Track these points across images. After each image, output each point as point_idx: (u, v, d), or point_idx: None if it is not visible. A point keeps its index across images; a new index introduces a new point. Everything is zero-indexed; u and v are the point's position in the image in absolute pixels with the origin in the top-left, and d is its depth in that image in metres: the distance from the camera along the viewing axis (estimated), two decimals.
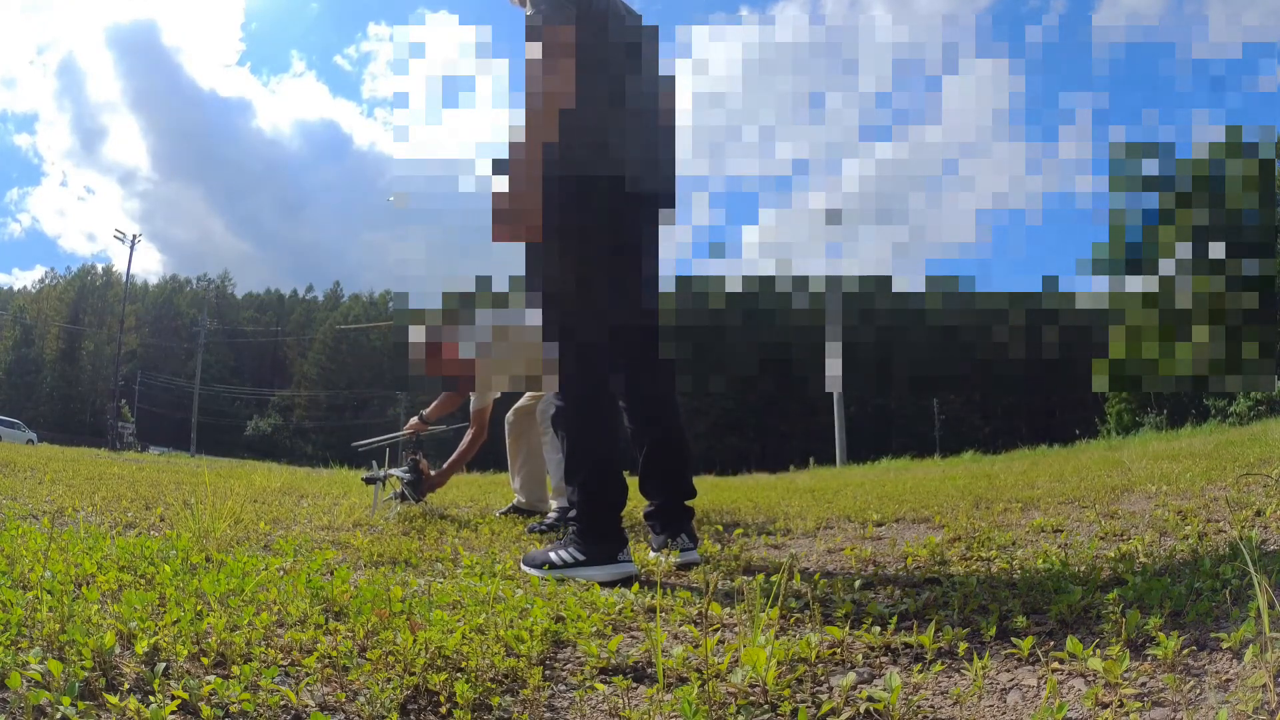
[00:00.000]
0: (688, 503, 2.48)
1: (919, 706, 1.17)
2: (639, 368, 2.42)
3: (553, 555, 2.15)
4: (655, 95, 2.37)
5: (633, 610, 1.73)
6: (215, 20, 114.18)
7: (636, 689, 1.29)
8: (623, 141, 2.27)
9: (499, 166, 2.28)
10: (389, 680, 1.24)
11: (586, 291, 2.25)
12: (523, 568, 2.24)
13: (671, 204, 2.40)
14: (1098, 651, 1.24)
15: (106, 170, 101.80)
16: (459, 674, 1.28)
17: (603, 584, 2.03)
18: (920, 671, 1.29)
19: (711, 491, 7.05)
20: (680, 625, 1.64)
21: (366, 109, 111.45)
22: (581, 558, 2.10)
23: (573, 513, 2.20)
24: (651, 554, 2.40)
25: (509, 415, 4.22)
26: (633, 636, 1.59)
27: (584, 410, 2.23)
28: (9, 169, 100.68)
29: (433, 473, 4.19)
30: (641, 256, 2.37)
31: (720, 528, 3.34)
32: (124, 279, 49.40)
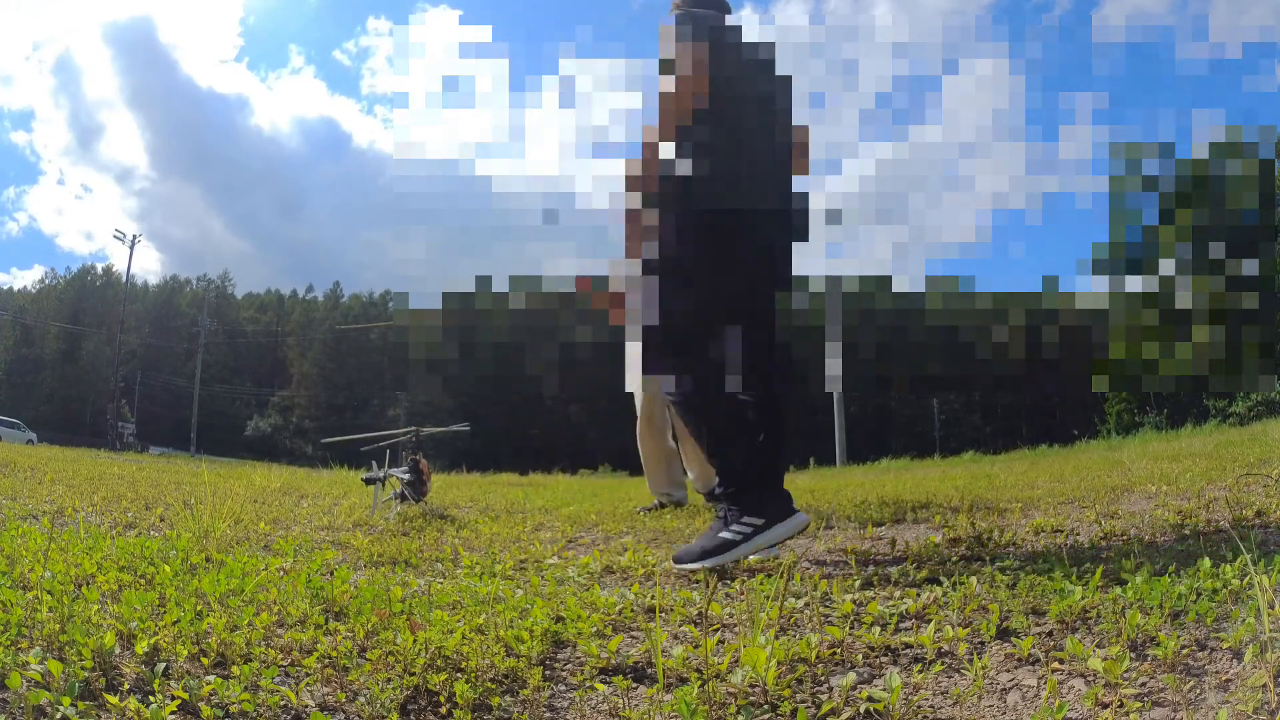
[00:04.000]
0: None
1: (919, 706, 1.17)
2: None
3: (725, 535, 2.09)
4: (787, 130, 2.41)
5: (633, 610, 1.73)
6: (213, 15, 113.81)
7: (636, 689, 1.29)
8: (759, 174, 2.33)
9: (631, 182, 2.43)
10: (389, 680, 1.24)
11: (715, 304, 2.31)
12: (683, 566, 2.14)
13: (805, 238, 2.44)
14: (1098, 651, 1.24)
15: (104, 168, 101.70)
16: (459, 674, 1.28)
17: (782, 541, 2.02)
18: (920, 671, 1.29)
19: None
20: (680, 625, 1.64)
21: (366, 106, 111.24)
22: (760, 522, 2.08)
23: (720, 489, 2.18)
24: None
25: (645, 428, 4.49)
26: (633, 636, 1.59)
27: (719, 392, 2.23)
28: (6, 167, 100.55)
29: (429, 477, 4.20)
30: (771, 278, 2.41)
31: None
32: (124, 279, 49.43)
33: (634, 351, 4.23)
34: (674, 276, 2.33)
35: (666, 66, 2.28)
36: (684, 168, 2.29)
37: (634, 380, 4.42)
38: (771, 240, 2.35)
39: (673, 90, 2.24)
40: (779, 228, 2.37)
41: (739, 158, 2.32)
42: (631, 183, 2.44)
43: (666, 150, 2.31)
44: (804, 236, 2.42)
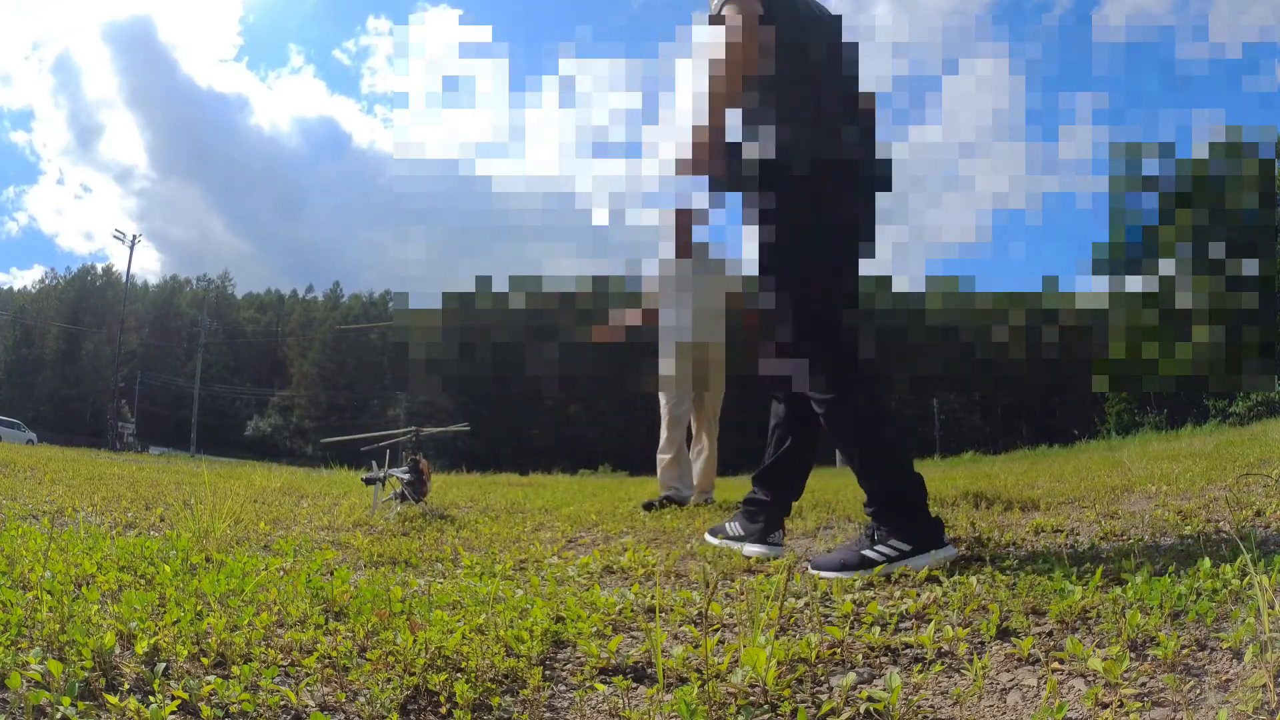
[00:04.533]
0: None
1: (919, 706, 1.17)
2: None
3: (869, 553, 2.02)
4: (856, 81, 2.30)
5: (633, 610, 1.73)
6: (212, 14, 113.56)
7: (636, 689, 1.29)
8: (850, 127, 2.21)
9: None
10: (389, 680, 1.24)
11: (838, 286, 2.18)
12: (820, 574, 2.05)
13: (889, 188, 2.31)
14: (1098, 651, 1.24)
15: (103, 168, 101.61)
16: (459, 674, 1.28)
17: (921, 569, 1.94)
18: (920, 671, 1.29)
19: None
20: (680, 625, 1.64)
21: (366, 105, 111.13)
22: (907, 548, 2.00)
23: (871, 509, 2.11)
24: (751, 548, 2.37)
25: (672, 428, 4.64)
26: (633, 636, 1.59)
27: (875, 403, 2.16)
28: (5, 167, 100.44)
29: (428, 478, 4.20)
30: (865, 243, 2.29)
31: None
32: (124, 279, 49.43)
33: (663, 364, 4.27)
34: (794, 263, 2.17)
35: (718, 19, 2.14)
36: (766, 134, 2.14)
37: (665, 382, 4.47)
38: (858, 209, 2.23)
39: (738, 42, 2.07)
40: (867, 193, 2.25)
41: (821, 115, 2.19)
42: (701, 165, 2.25)
43: (737, 120, 2.17)
44: (889, 186, 2.29)
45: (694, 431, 4.75)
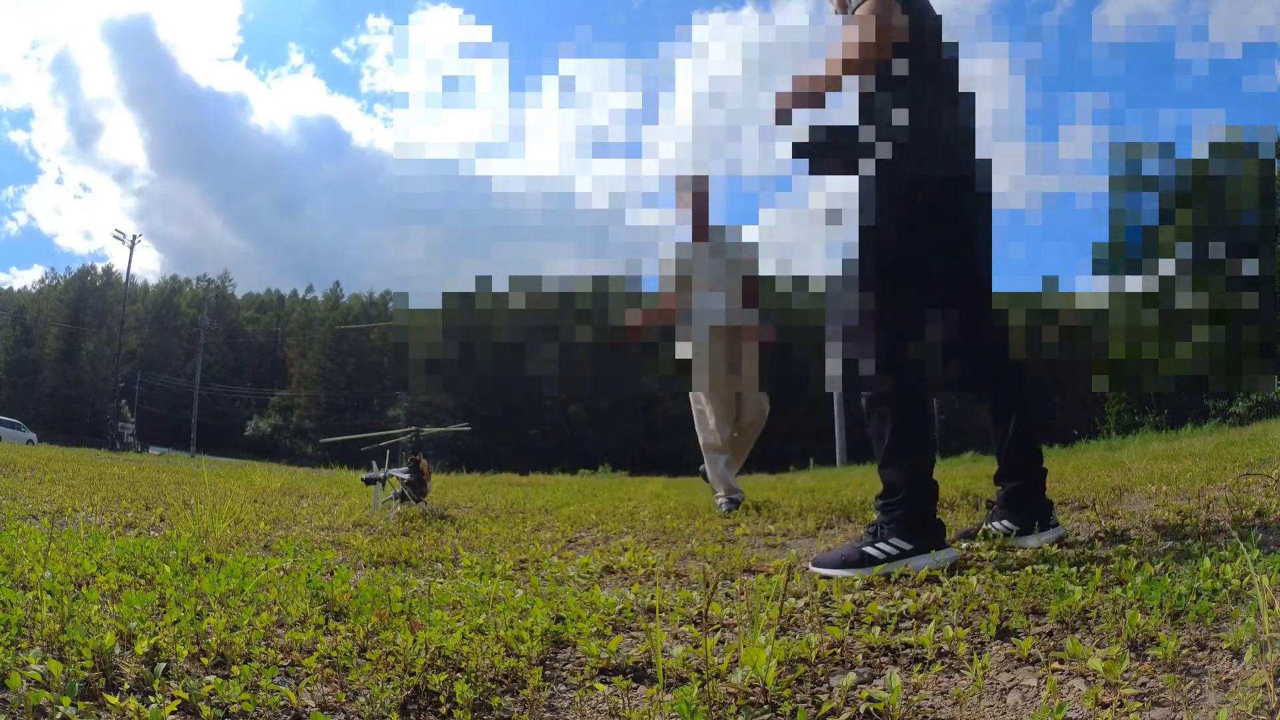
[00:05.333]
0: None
1: (919, 706, 1.17)
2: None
3: (870, 550, 2.03)
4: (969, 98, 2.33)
5: (633, 610, 1.73)
6: (212, 13, 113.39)
7: (636, 689, 1.29)
8: (958, 140, 2.23)
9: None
10: (389, 680, 1.24)
11: (924, 288, 2.19)
12: (821, 571, 2.06)
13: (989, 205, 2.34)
14: (1098, 651, 1.24)
15: (102, 167, 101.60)
16: (459, 674, 1.28)
17: (922, 569, 1.94)
18: (920, 671, 1.29)
19: (711, 493, 7.03)
20: (680, 625, 1.64)
21: (365, 105, 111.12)
22: (909, 547, 2.01)
23: (882, 501, 2.12)
24: (1034, 540, 2.29)
25: (720, 427, 4.34)
26: (633, 636, 1.59)
27: (917, 399, 2.17)
28: (4, 166, 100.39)
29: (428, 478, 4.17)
30: (978, 250, 2.30)
31: (721, 528, 3.34)
32: (124, 279, 49.44)
33: (697, 351, 4.08)
34: (883, 254, 2.17)
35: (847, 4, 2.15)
36: (886, 131, 2.14)
37: (701, 380, 4.18)
38: (975, 211, 2.23)
39: (870, 22, 2.08)
40: (979, 200, 2.25)
41: (940, 112, 2.19)
42: (786, 115, 2.26)
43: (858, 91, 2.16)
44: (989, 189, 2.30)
45: (721, 434, 4.33)
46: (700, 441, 4.31)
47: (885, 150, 2.15)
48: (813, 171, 2.34)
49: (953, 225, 2.20)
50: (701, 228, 4.22)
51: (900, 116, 2.14)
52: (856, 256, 2.19)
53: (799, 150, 2.30)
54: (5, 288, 67.32)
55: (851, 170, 2.23)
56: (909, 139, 2.14)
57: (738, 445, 4.34)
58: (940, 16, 2.28)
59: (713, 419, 4.26)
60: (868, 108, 2.22)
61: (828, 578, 2.00)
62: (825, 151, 2.28)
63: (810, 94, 2.24)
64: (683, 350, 4.17)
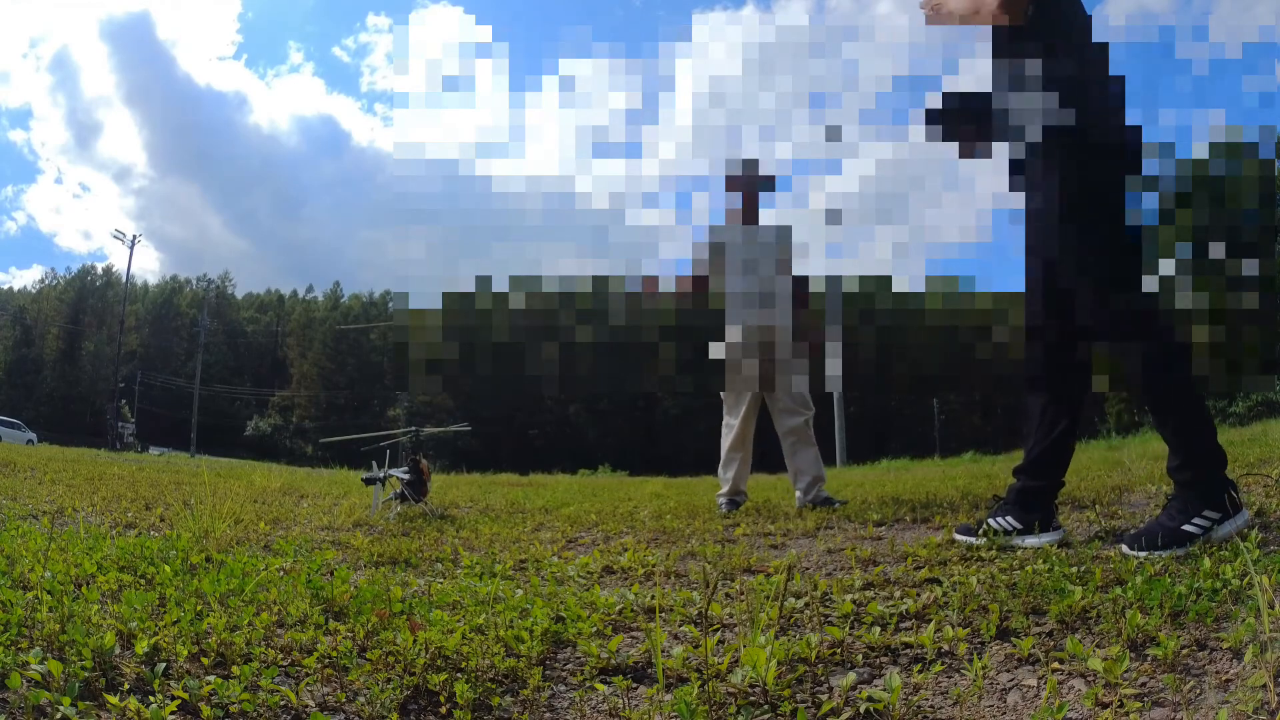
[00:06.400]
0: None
1: (919, 706, 1.17)
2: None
3: (1188, 528, 1.97)
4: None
5: (633, 610, 1.73)
6: (211, 11, 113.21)
7: (636, 689, 1.29)
8: (1121, 113, 2.17)
9: None
10: (389, 680, 1.24)
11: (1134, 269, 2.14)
12: (1132, 553, 2.00)
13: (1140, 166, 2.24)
14: (1098, 651, 1.24)
15: (102, 166, 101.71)
16: (459, 674, 1.28)
17: (1227, 535, 1.92)
18: (920, 671, 1.29)
19: (711, 491, 7.04)
20: (680, 625, 1.64)
21: (365, 104, 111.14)
22: (1217, 516, 1.98)
23: (1185, 474, 2.05)
24: (1034, 540, 2.27)
25: (744, 428, 4.20)
26: (633, 636, 1.59)
27: (1189, 358, 2.13)
28: (3, 165, 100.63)
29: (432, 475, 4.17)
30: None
31: (720, 528, 3.34)
32: (124, 279, 49.46)
33: (731, 351, 3.96)
34: (1092, 210, 2.11)
35: None
36: (1052, 99, 2.09)
37: (742, 380, 3.97)
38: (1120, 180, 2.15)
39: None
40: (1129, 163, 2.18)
41: (1103, 70, 2.14)
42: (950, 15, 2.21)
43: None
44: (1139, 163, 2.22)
45: (742, 434, 4.20)
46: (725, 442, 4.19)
47: (1068, 116, 2.09)
48: (945, 138, 2.31)
49: (1121, 192, 2.13)
50: (752, 211, 4.05)
51: (1070, 78, 2.09)
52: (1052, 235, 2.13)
53: (934, 116, 2.27)
54: (5, 287, 67.46)
55: (985, 137, 2.22)
56: (1085, 101, 2.09)
57: (802, 440, 4.12)
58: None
59: (738, 419, 4.13)
60: (1018, 75, 2.17)
61: (1147, 559, 1.94)
62: (961, 118, 2.25)
63: (961, 14, 2.21)
64: (717, 350, 3.99)
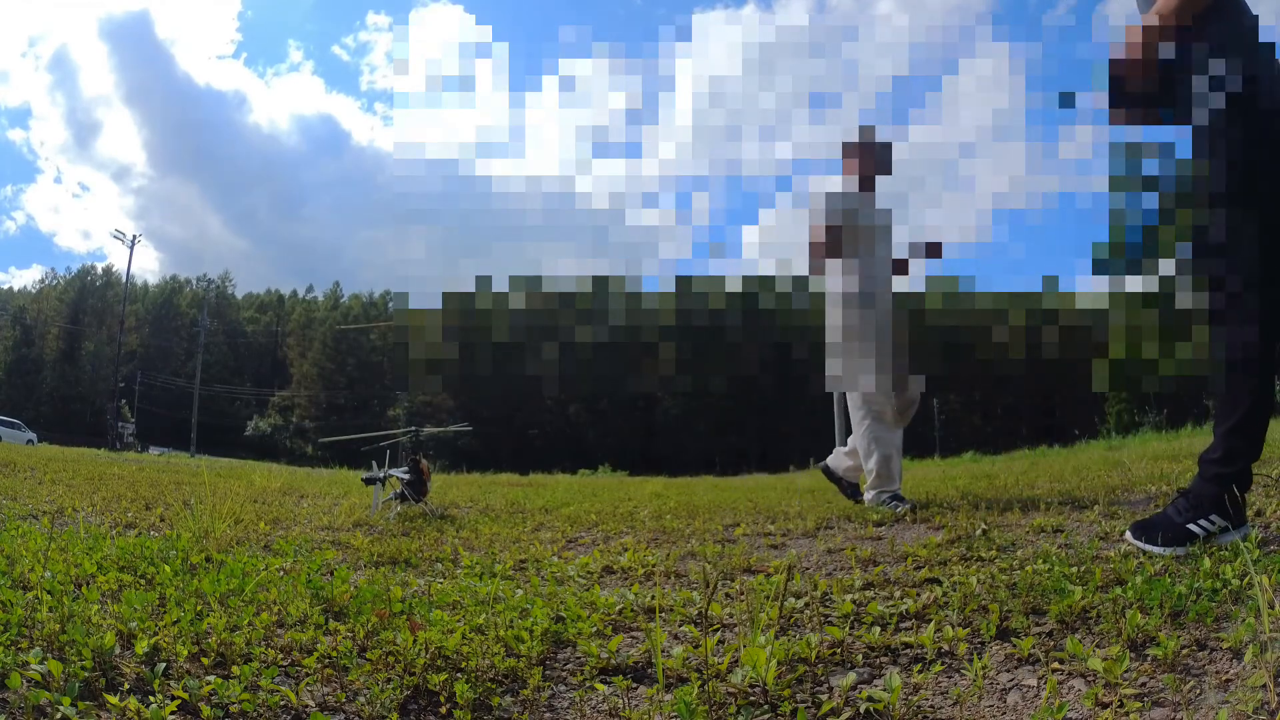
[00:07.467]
0: None
1: (919, 706, 1.17)
2: None
3: (1192, 528, 1.97)
4: None
5: (633, 610, 1.73)
6: (211, 9, 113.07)
7: (636, 689, 1.29)
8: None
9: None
10: (389, 680, 1.24)
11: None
12: (1135, 543, 2.02)
13: None
14: (1098, 651, 1.24)
15: (101, 166, 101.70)
16: (459, 674, 1.28)
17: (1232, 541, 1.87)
18: (920, 671, 1.29)
19: (711, 491, 7.05)
20: (680, 625, 1.64)
21: (365, 103, 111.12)
22: (1224, 524, 1.96)
23: (1219, 469, 2.02)
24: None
25: (896, 423, 3.82)
26: (633, 636, 1.59)
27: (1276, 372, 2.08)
28: (3, 165, 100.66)
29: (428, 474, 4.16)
30: None
31: (720, 528, 3.34)
32: (124, 279, 49.44)
33: (847, 352, 3.69)
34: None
35: None
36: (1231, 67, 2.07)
37: (865, 381, 3.64)
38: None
39: None
40: None
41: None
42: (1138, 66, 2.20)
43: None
44: None
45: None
46: (870, 437, 3.71)
47: (1235, 85, 2.08)
48: (1127, 121, 2.30)
49: None
50: (869, 178, 3.74)
51: (1236, 57, 2.07)
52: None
53: (1118, 99, 2.25)
54: (5, 287, 67.45)
55: (1153, 120, 2.24)
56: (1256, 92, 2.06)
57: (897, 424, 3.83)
58: None
59: (891, 414, 3.75)
60: (1184, 58, 2.16)
61: (1145, 551, 1.95)
62: (1151, 100, 2.23)
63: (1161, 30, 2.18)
64: (834, 367, 3.67)
